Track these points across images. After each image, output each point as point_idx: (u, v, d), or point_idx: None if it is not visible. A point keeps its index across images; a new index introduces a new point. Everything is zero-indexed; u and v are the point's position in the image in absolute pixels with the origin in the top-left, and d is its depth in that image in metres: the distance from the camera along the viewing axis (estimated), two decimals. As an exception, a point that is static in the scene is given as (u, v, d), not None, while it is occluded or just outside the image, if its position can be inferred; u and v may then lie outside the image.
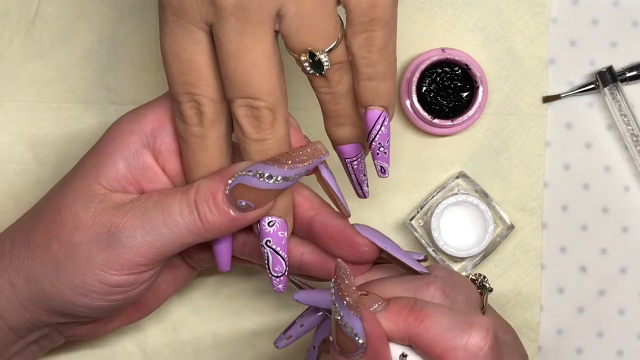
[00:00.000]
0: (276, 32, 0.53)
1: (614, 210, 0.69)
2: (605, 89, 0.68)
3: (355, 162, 0.58)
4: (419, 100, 0.67)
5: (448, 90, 0.68)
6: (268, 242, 0.56)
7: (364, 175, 0.59)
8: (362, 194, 0.60)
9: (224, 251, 0.58)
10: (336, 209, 0.58)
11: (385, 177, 0.57)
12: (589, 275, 0.70)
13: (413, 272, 0.57)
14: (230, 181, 0.54)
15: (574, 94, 0.69)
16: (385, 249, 0.57)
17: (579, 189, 0.70)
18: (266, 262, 0.56)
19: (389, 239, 0.59)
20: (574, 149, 0.69)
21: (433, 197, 0.68)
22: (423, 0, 0.69)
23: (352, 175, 0.59)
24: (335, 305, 0.51)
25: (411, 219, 0.68)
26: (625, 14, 0.69)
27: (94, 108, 0.68)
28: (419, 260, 0.59)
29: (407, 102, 0.68)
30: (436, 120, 0.67)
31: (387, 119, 0.56)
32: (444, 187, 0.68)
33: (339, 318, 0.51)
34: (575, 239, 0.70)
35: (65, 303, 0.56)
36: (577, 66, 0.69)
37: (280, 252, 0.56)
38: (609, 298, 0.70)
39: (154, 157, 0.57)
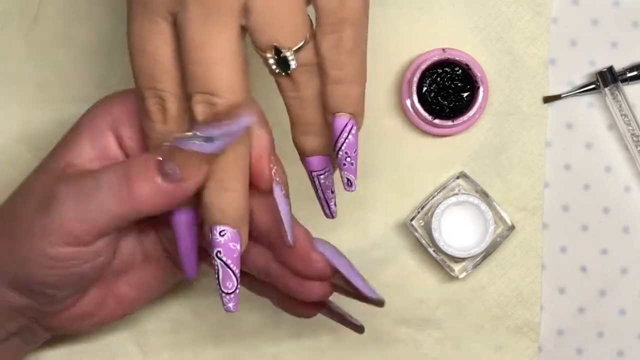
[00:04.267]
0: (243, 30, 0.52)
1: (614, 210, 0.70)
2: (606, 89, 0.68)
3: (322, 177, 0.56)
4: (420, 101, 0.67)
5: (448, 90, 0.68)
6: (218, 254, 0.52)
7: (332, 192, 0.57)
8: (330, 214, 0.58)
9: (188, 255, 0.57)
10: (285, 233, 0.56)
11: (352, 190, 0.55)
12: (589, 275, 0.70)
13: (364, 298, 0.57)
14: (164, 145, 0.52)
15: (575, 94, 0.69)
16: (339, 269, 0.56)
17: (580, 189, 0.70)
18: (216, 276, 0.53)
19: (347, 260, 0.57)
20: (575, 149, 0.69)
21: (434, 197, 0.68)
22: (423, 0, 0.69)
23: (319, 192, 0.57)
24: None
25: (412, 219, 0.68)
26: (626, 14, 0.69)
27: (94, 108, 0.68)
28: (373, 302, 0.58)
29: (408, 102, 0.68)
30: (437, 121, 0.67)
31: (355, 127, 0.53)
32: (444, 187, 0.68)
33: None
34: (575, 239, 0.70)
35: (20, 277, 0.56)
36: (578, 66, 0.69)
37: (232, 266, 0.53)
38: (609, 298, 0.70)
39: (117, 142, 0.57)
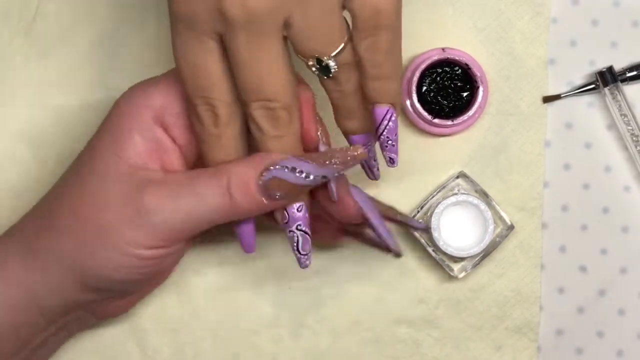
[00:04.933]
0: (286, 38, 0.55)
1: (614, 210, 0.69)
2: (606, 89, 0.68)
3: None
4: (419, 100, 0.67)
5: (448, 90, 0.68)
6: (299, 226, 0.58)
7: (375, 160, 0.61)
8: (374, 176, 0.62)
9: (248, 233, 0.60)
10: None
11: (394, 166, 0.59)
12: (589, 275, 0.70)
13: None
14: (265, 174, 0.56)
15: (574, 94, 0.69)
16: (368, 216, 0.60)
17: (579, 189, 0.70)
18: (295, 244, 0.58)
19: (376, 209, 0.61)
20: (574, 149, 0.69)
21: (433, 197, 0.68)
22: (423, 0, 0.69)
23: (364, 161, 0.61)
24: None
25: (411, 219, 0.68)
26: (625, 14, 0.69)
27: (95, 108, 0.68)
28: (419, 228, 0.65)
29: (407, 102, 0.68)
30: (436, 120, 0.67)
31: (394, 115, 0.57)
32: (444, 187, 0.68)
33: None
34: (575, 239, 0.70)
35: (100, 279, 0.58)
36: (577, 66, 0.69)
37: (309, 232, 0.58)
38: (609, 298, 0.70)
39: (164, 132, 0.59)
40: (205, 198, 0.56)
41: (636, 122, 0.68)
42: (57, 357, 0.68)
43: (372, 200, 0.63)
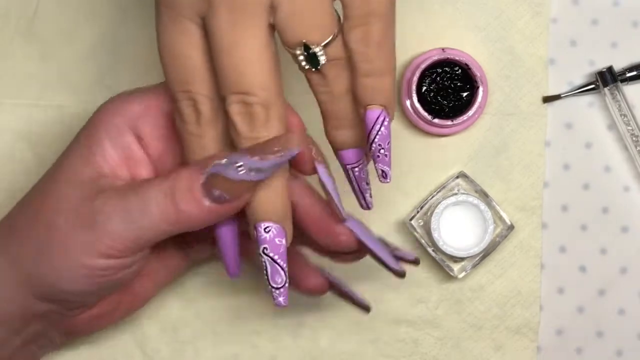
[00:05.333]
0: (272, 28, 0.53)
1: (613, 210, 0.70)
2: (605, 89, 0.68)
3: (356, 169, 0.57)
4: (419, 100, 0.67)
5: (448, 90, 0.68)
6: (265, 250, 0.54)
7: (367, 183, 0.58)
8: (365, 205, 0.59)
9: (229, 255, 0.58)
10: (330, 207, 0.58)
11: (387, 182, 0.56)
12: (588, 275, 0.70)
13: (388, 268, 0.59)
14: (206, 169, 0.53)
15: (574, 94, 0.69)
16: (364, 242, 0.58)
17: (579, 189, 0.70)
18: (264, 272, 0.54)
19: (372, 233, 0.59)
20: (574, 149, 0.69)
21: (433, 197, 0.68)
22: (423, 0, 0.69)
23: (354, 184, 0.58)
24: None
25: (411, 219, 0.68)
26: (625, 14, 0.69)
27: (95, 107, 0.68)
28: (409, 261, 0.60)
29: (407, 102, 0.68)
30: (436, 120, 0.67)
31: (387, 119, 0.54)
32: (444, 187, 0.68)
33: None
34: (575, 239, 0.70)
35: (49, 287, 0.56)
36: (577, 66, 0.69)
37: (279, 261, 0.54)
38: (608, 298, 0.70)
39: (137, 141, 0.57)
40: (149, 203, 0.54)
41: (636, 122, 0.68)
42: (57, 357, 0.68)
43: (363, 225, 0.60)
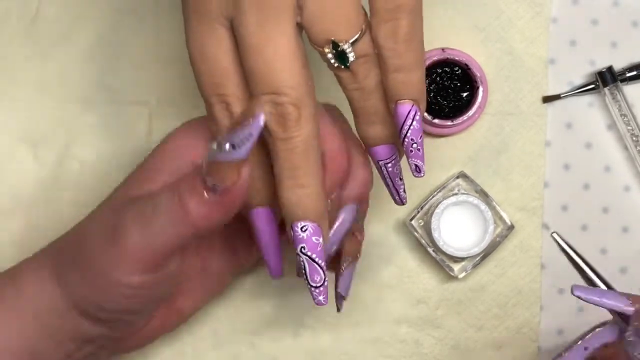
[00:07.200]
0: (299, 27, 0.52)
1: (614, 210, 0.70)
2: (605, 89, 0.68)
3: (389, 165, 0.57)
4: (419, 100, 0.67)
5: (448, 90, 0.68)
6: (302, 249, 0.54)
7: (400, 179, 0.57)
8: (400, 200, 0.58)
9: (270, 253, 0.57)
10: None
11: (421, 176, 0.55)
12: (589, 275, 0.70)
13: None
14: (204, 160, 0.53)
15: (574, 94, 0.69)
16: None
17: (579, 189, 0.70)
18: (303, 272, 0.54)
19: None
20: (574, 149, 0.69)
21: (433, 197, 0.68)
22: (423, 0, 0.69)
23: (388, 180, 0.57)
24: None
25: (411, 219, 0.68)
26: (625, 14, 0.69)
27: (94, 108, 0.69)
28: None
29: (407, 102, 0.68)
30: (436, 120, 0.67)
31: (419, 113, 0.54)
32: (444, 187, 0.68)
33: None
34: (575, 239, 0.69)
35: (93, 306, 0.56)
36: (577, 66, 0.69)
37: (317, 260, 0.54)
38: (609, 298, 0.70)
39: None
40: (160, 208, 0.53)
41: (636, 122, 0.68)
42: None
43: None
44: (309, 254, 0.54)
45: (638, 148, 0.68)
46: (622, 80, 0.68)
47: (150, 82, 0.68)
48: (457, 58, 0.67)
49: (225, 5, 0.51)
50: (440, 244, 0.67)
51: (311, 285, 0.54)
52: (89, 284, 0.55)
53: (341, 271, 0.59)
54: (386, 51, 0.53)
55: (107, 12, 0.68)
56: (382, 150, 0.56)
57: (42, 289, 0.57)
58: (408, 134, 0.54)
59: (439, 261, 0.68)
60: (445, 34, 0.69)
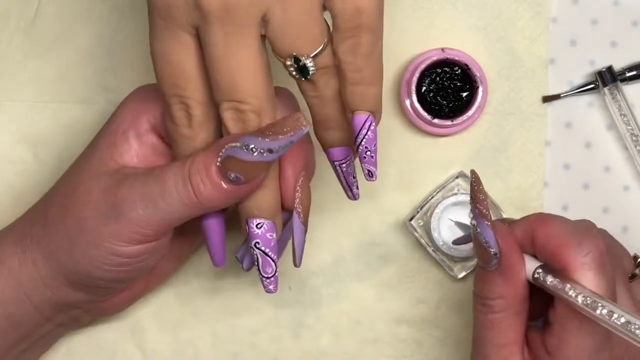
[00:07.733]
0: (264, 38, 0.54)
1: (614, 210, 0.69)
2: (605, 89, 0.68)
3: (344, 165, 0.59)
4: (419, 100, 0.67)
5: (448, 90, 0.68)
6: (257, 244, 0.57)
7: (354, 177, 0.60)
8: (352, 196, 0.61)
9: (216, 247, 0.59)
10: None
11: (373, 180, 0.58)
12: (589, 275, 0.70)
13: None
14: (221, 153, 0.54)
15: (574, 94, 0.69)
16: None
17: (579, 189, 0.70)
18: (256, 263, 0.57)
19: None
20: (574, 148, 0.69)
21: (433, 197, 0.68)
22: (423, 0, 0.69)
23: (342, 178, 0.60)
24: (471, 214, 0.54)
25: (411, 219, 0.68)
26: (625, 14, 0.69)
27: (94, 108, 0.69)
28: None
29: (407, 102, 0.68)
30: (436, 120, 0.67)
31: (374, 124, 0.56)
32: (443, 187, 0.68)
33: (474, 225, 0.54)
34: (575, 238, 0.69)
35: (81, 276, 0.58)
36: (577, 66, 0.69)
37: (270, 254, 0.57)
38: (609, 298, 0.69)
39: (160, 138, 0.59)
40: (167, 187, 0.56)
41: (636, 122, 0.68)
42: (56, 357, 0.68)
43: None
44: (262, 248, 0.57)
45: (638, 148, 0.68)
46: (622, 80, 0.68)
47: (149, 83, 0.68)
48: (457, 58, 0.67)
49: (192, 15, 0.53)
50: (439, 244, 0.67)
51: (263, 276, 0.57)
52: (79, 253, 0.57)
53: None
54: (346, 65, 0.55)
55: (107, 12, 0.68)
56: (337, 152, 0.59)
57: (23, 259, 0.59)
58: (362, 142, 0.56)
59: (439, 261, 0.68)
60: (445, 34, 0.69)
